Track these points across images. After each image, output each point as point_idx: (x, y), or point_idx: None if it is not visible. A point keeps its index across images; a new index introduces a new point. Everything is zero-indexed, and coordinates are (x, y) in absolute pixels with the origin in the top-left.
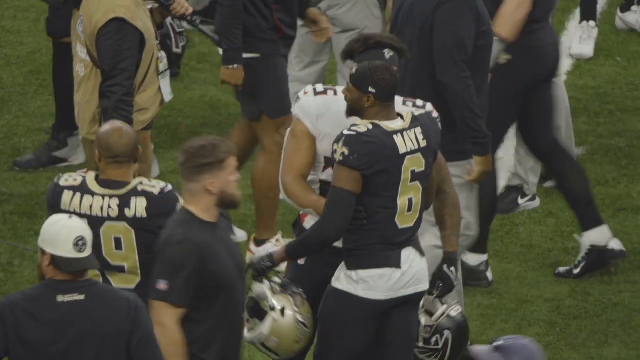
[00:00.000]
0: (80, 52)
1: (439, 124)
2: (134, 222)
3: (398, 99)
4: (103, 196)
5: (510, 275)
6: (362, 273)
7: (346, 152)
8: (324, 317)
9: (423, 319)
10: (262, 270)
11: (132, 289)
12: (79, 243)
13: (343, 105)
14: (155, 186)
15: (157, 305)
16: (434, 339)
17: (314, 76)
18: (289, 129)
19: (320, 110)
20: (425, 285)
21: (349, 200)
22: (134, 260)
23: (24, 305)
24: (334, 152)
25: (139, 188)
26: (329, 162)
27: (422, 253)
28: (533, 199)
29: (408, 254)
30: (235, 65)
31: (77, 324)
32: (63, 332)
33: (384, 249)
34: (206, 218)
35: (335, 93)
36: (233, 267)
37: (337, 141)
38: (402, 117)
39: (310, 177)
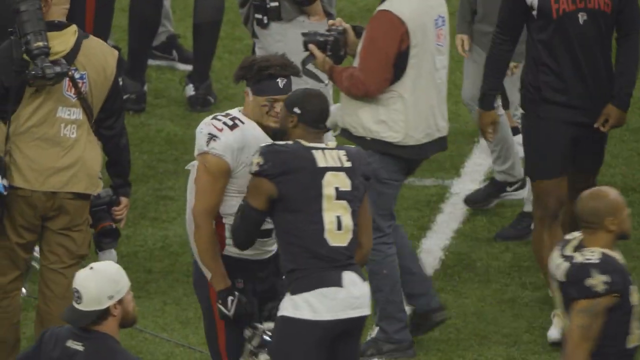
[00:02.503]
0: (67, 116)
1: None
2: None
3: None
4: None
5: (468, 310)
6: (306, 295)
7: (261, 161)
8: (275, 349)
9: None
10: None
11: None
12: (74, 294)
13: (254, 130)
14: None
15: None
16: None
17: None
18: (198, 164)
19: (241, 143)
20: (368, 311)
21: (256, 218)
22: None
23: (54, 340)
24: (250, 164)
25: None
26: None
27: (364, 279)
28: (522, 186)
29: (350, 276)
30: None
31: None
32: None
33: (321, 267)
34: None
35: (240, 121)
36: None
37: (254, 155)
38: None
39: (232, 210)
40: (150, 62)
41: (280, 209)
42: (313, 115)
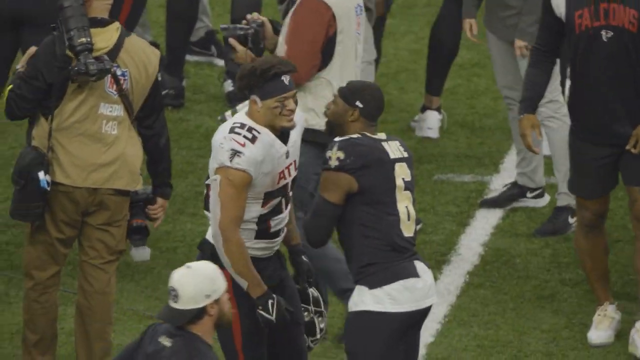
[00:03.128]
0: (109, 112)
1: None
2: None
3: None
4: None
5: (507, 306)
6: (387, 288)
7: (342, 156)
8: (355, 344)
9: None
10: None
11: None
12: (170, 293)
13: (268, 136)
14: None
15: None
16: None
17: None
18: (220, 178)
19: (263, 155)
20: (436, 298)
21: (333, 213)
22: None
23: (152, 334)
24: (328, 159)
25: None
26: (269, 196)
27: (428, 265)
28: (541, 195)
29: (420, 266)
30: None
31: None
32: None
33: (398, 258)
34: None
35: (257, 131)
36: None
37: (330, 148)
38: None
39: (248, 216)
40: (189, 57)
41: (358, 202)
42: (374, 108)
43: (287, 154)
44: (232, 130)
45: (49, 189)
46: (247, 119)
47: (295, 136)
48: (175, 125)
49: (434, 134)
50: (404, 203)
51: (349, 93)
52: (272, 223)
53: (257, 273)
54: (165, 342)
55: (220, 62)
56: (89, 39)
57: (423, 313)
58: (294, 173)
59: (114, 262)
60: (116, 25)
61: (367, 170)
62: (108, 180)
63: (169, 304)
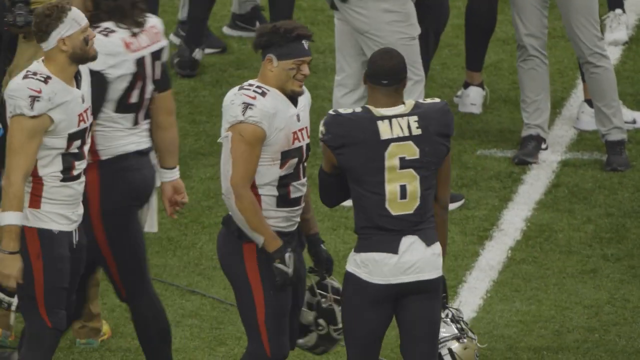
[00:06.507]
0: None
1: (451, 116)
2: None
3: None
4: None
5: (549, 281)
6: (362, 256)
7: (324, 131)
8: (342, 299)
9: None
10: None
11: None
12: None
13: (279, 96)
14: None
15: None
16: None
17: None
18: (232, 135)
19: (274, 108)
20: (431, 275)
21: (327, 180)
22: None
23: None
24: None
25: None
26: (286, 156)
27: (429, 242)
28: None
29: (410, 241)
30: None
31: None
32: None
33: (377, 234)
34: None
35: (266, 88)
36: None
37: (322, 121)
38: (405, 104)
39: (268, 179)
40: (232, 32)
41: (347, 176)
42: (374, 72)
43: (298, 117)
44: (240, 88)
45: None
46: (254, 81)
47: (304, 102)
48: (218, 100)
49: (477, 109)
50: (398, 182)
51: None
52: (292, 189)
53: (270, 228)
54: None
55: None
56: None
57: (407, 288)
58: (307, 139)
59: None
60: None
61: (346, 149)
62: None
63: None
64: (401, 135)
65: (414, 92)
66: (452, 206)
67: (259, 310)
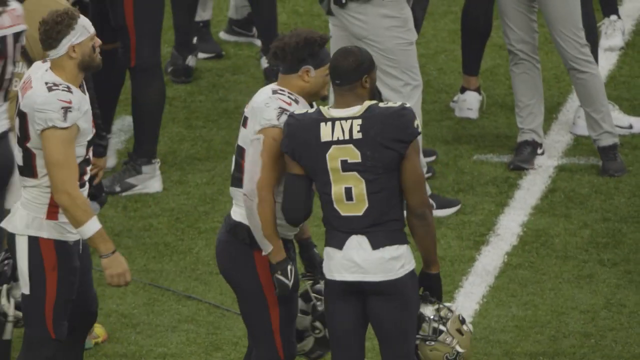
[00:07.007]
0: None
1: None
2: None
3: None
4: None
5: (545, 287)
6: (325, 250)
7: (284, 130)
8: None
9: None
10: None
11: None
12: None
13: (306, 105)
14: None
15: None
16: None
17: None
18: (264, 138)
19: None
20: (376, 277)
21: (296, 183)
22: None
23: None
24: None
25: None
26: None
27: (379, 245)
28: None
29: (357, 241)
30: None
31: None
32: None
33: (331, 231)
34: None
35: (293, 94)
36: None
37: None
38: (361, 106)
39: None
40: (229, 37)
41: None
42: (329, 69)
43: None
44: (274, 92)
45: None
46: (279, 87)
47: None
48: (214, 105)
49: (473, 114)
50: (344, 184)
51: None
52: None
53: (280, 239)
54: None
55: (259, 43)
56: None
57: (356, 287)
58: None
59: None
60: None
61: (297, 149)
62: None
63: None
64: (342, 138)
65: (412, 98)
66: (448, 211)
67: (273, 316)
